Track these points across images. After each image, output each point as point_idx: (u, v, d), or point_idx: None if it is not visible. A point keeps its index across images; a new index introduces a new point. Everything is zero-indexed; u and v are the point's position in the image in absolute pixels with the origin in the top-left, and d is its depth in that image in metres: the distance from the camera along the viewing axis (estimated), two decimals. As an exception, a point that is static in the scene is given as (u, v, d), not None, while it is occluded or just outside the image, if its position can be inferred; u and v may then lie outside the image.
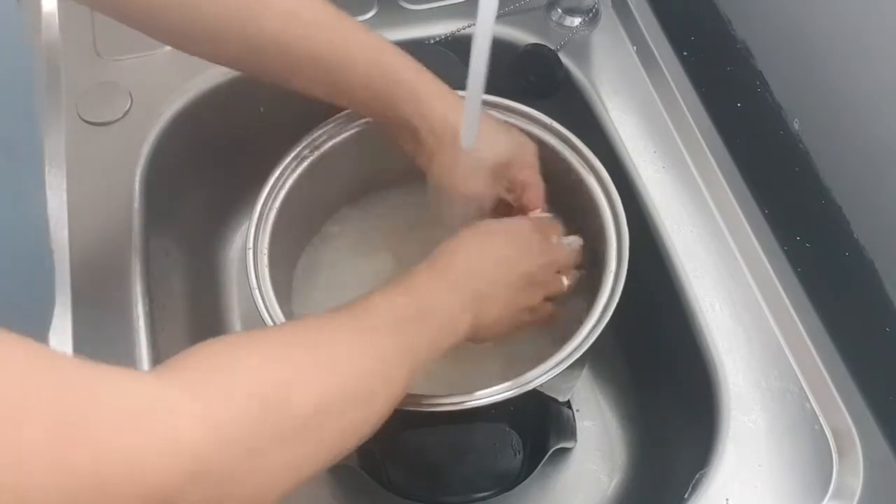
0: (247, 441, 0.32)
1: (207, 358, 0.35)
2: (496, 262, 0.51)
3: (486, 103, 0.61)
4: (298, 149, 0.61)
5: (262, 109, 0.73)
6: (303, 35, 0.50)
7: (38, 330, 0.51)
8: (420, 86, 0.53)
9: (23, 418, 0.26)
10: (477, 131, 0.51)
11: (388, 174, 0.67)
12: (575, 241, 0.58)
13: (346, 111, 0.62)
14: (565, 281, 0.56)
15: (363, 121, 0.63)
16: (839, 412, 0.56)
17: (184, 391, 0.32)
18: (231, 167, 0.75)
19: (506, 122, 0.60)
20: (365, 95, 0.53)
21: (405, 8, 0.76)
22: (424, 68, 0.54)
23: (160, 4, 0.49)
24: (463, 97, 0.52)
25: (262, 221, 0.59)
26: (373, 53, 0.52)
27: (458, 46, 0.71)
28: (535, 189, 0.57)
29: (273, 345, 0.39)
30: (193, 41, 0.52)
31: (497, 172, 0.56)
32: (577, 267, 0.58)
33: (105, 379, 0.30)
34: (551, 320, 0.57)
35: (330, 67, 0.52)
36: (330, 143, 0.63)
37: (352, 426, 0.39)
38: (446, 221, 0.57)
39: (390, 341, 0.43)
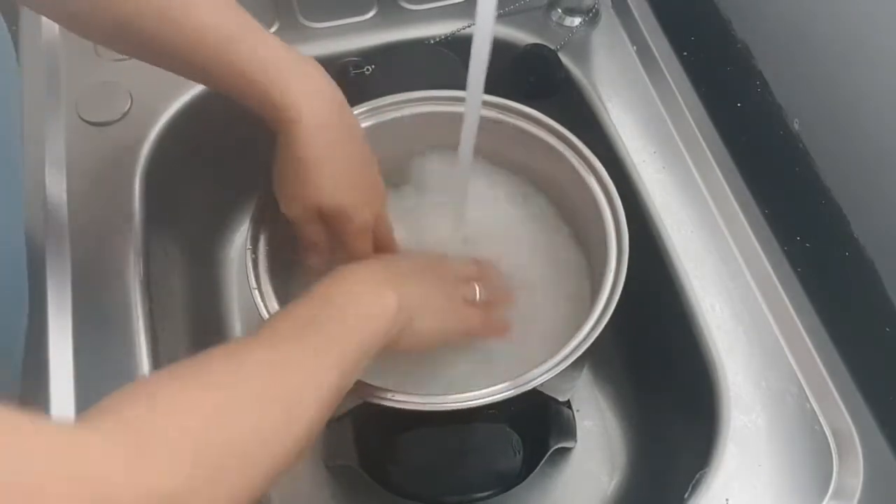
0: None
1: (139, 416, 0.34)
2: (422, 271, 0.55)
3: (485, 103, 0.61)
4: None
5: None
6: (179, 17, 0.49)
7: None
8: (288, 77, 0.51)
9: None
10: (474, 136, 0.51)
11: (391, 173, 0.67)
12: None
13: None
14: (477, 289, 0.58)
15: (365, 120, 0.63)
16: (839, 412, 0.56)
17: (127, 454, 0.31)
18: (231, 167, 0.74)
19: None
20: (240, 82, 0.51)
21: (405, 8, 0.76)
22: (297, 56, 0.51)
23: None
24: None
25: (262, 221, 0.59)
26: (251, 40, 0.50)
27: (459, 46, 0.71)
28: (390, 243, 0.58)
29: (206, 390, 0.37)
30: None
31: (327, 217, 0.53)
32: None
33: (49, 446, 0.29)
34: (487, 330, 0.57)
35: (210, 54, 0.50)
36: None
37: (274, 467, 0.38)
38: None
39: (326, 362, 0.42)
